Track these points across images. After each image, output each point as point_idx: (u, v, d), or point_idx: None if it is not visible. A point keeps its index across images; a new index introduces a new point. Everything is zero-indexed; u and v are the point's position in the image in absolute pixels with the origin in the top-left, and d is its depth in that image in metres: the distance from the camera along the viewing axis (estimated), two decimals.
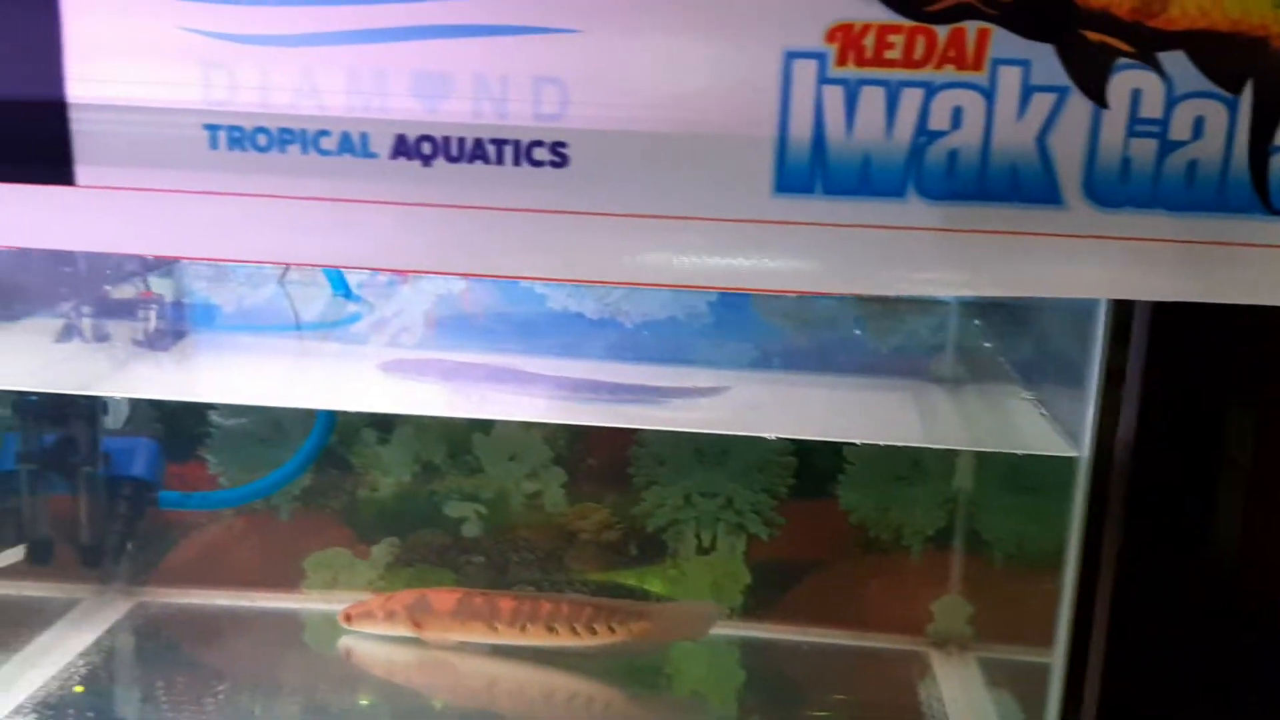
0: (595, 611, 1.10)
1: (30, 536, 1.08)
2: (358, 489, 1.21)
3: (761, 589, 1.19)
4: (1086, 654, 0.76)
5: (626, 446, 1.18)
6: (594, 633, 1.10)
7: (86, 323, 1.13)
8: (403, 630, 1.12)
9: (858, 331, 1.21)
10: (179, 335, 1.14)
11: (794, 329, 1.23)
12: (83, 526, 1.12)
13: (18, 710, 0.99)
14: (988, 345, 1.08)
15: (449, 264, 0.71)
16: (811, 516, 1.17)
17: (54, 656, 1.08)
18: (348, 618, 1.13)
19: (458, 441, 1.19)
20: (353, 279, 1.24)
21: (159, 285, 1.18)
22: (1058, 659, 0.78)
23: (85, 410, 1.09)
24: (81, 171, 0.72)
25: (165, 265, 1.20)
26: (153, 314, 1.14)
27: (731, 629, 1.19)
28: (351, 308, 1.22)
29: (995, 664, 1.13)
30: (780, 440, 1.16)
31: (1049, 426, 0.87)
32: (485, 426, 1.19)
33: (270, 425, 1.19)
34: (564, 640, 1.10)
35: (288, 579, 1.21)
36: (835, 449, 1.16)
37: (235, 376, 1.11)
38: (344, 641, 1.14)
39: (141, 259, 1.16)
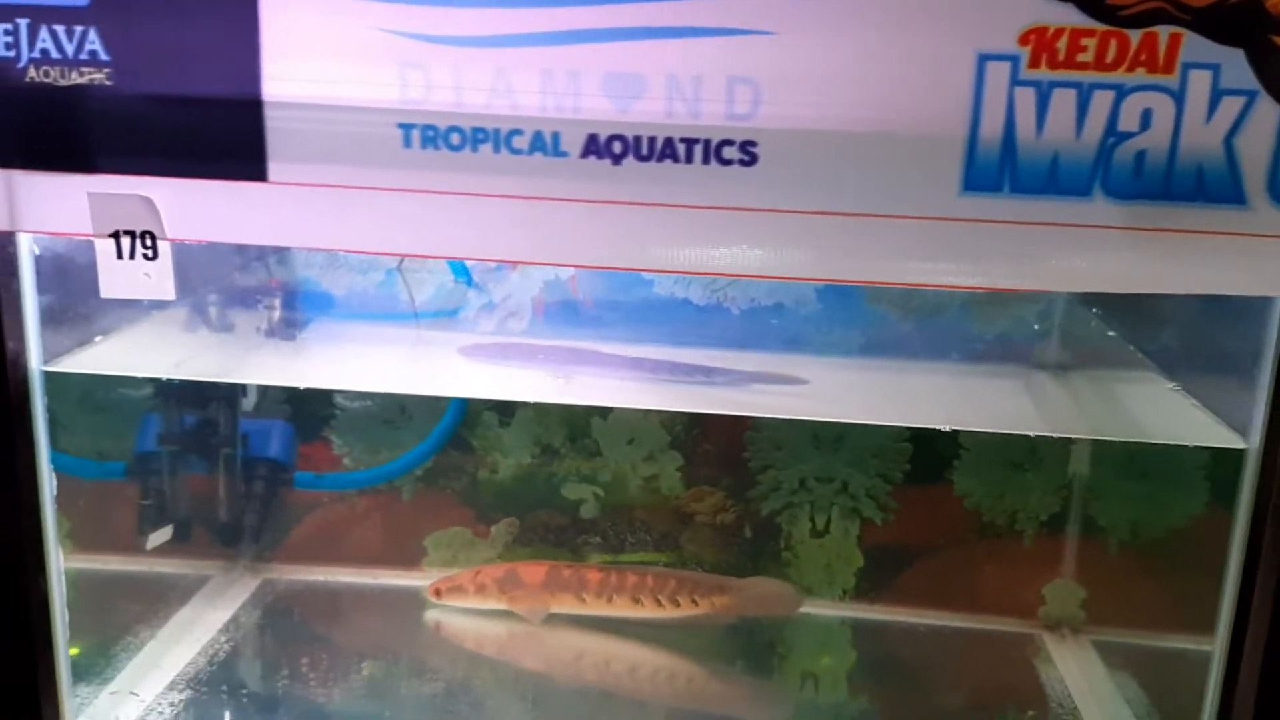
0: (679, 584, 1.14)
1: (172, 516, 1.11)
2: (478, 470, 1.23)
3: (874, 572, 1.21)
4: (1243, 646, 0.78)
5: (742, 431, 1.20)
6: (677, 605, 1.13)
7: (213, 311, 1.16)
8: (493, 603, 1.15)
9: (970, 321, 1.22)
10: (300, 323, 1.17)
11: (900, 316, 1.24)
12: (221, 505, 1.15)
13: (171, 686, 1.02)
14: (1111, 334, 1.09)
15: (636, 260, 0.73)
16: (925, 502, 1.19)
17: (196, 633, 1.11)
18: (437, 592, 1.16)
19: (577, 425, 1.21)
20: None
21: (276, 273, 1.21)
22: (1218, 648, 0.80)
23: (224, 393, 1.12)
24: (274, 168, 0.74)
25: (280, 252, 1.22)
26: (277, 302, 1.16)
27: (844, 610, 1.22)
28: (470, 295, 1.24)
29: (1111, 647, 1.14)
30: (895, 427, 1.18)
31: (1207, 417, 0.88)
32: (603, 411, 1.21)
33: (395, 408, 1.22)
34: (648, 611, 1.14)
35: (409, 557, 1.24)
36: (951, 436, 1.17)
37: (357, 364, 1.13)
38: (431, 615, 1.17)
39: (260, 248, 1.19)
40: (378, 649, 1.13)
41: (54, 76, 0.74)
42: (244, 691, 1.03)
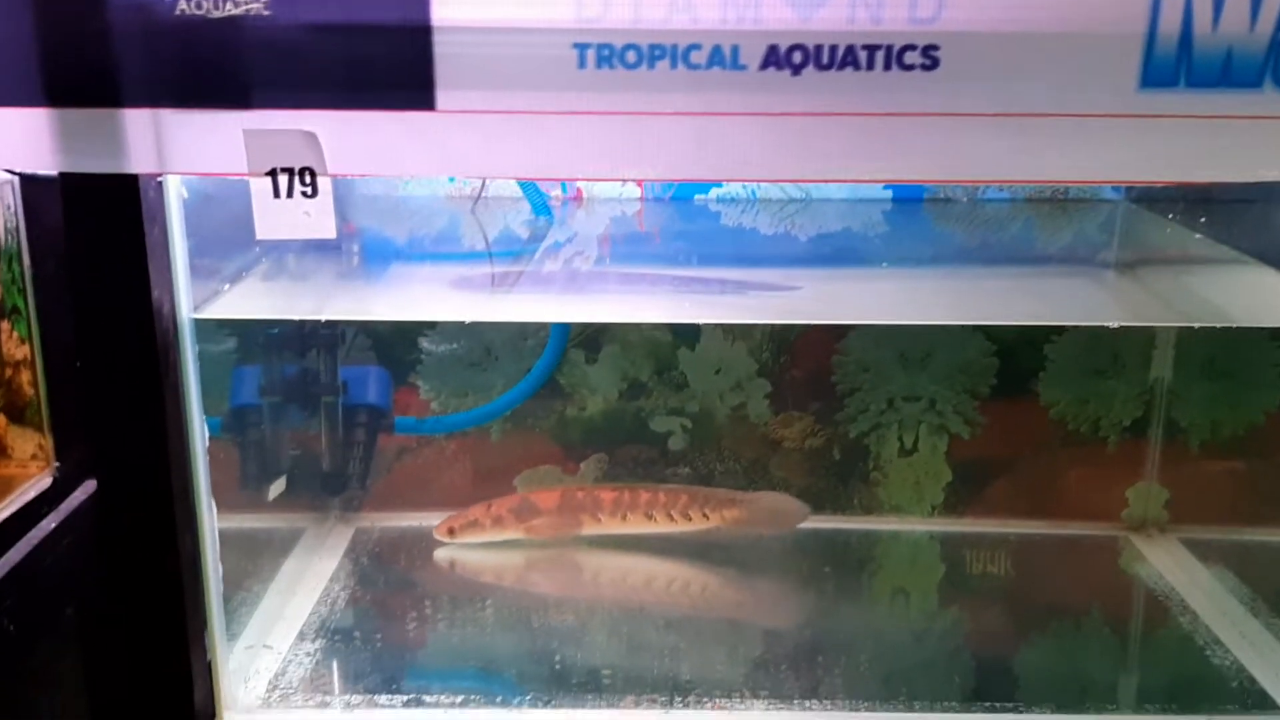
0: (690, 499, 1.17)
1: (275, 469, 1.10)
2: (566, 408, 1.23)
3: (962, 486, 1.24)
4: None
5: (829, 355, 1.22)
6: (689, 519, 1.16)
7: (291, 259, 1.14)
8: (511, 534, 1.17)
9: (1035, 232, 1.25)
10: (378, 266, 1.16)
11: (967, 232, 1.26)
12: (324, 455, 1.14)
13: (302, 637, 1.01)
14: (1198, 236, 1.12)
15: (816, 172, 0.73)
16: (1011, 414, 1.22)
17: (308, 584, 1.11)
18: (450, 531, 1.17)
19: (663, 358, 1.22)
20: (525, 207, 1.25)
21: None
22: None
23: (323, 341, 1.11)
24: (442, 96, 0.73)
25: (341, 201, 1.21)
26: (357, 247, 1.15)
27: (933, 525, 1.25)
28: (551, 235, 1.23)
29: (1201, 544, 1.19)
30: (983, 342, 1.20)
31: None
32: (690, 342, 1.22)
33: (480, 350, 1.21)
34: (661, 527, 1.16)
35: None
36: (1036, 348, 1.20)
37: (453, 300, 1.12)
38: (441, 554, 1.18)
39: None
40: (485, 589, 1.14)
41: (206, 8, 0.72)
42: (377, 637, 1.03)
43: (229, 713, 0.90)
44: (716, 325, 1.21)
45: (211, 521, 0.86)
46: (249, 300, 0.93)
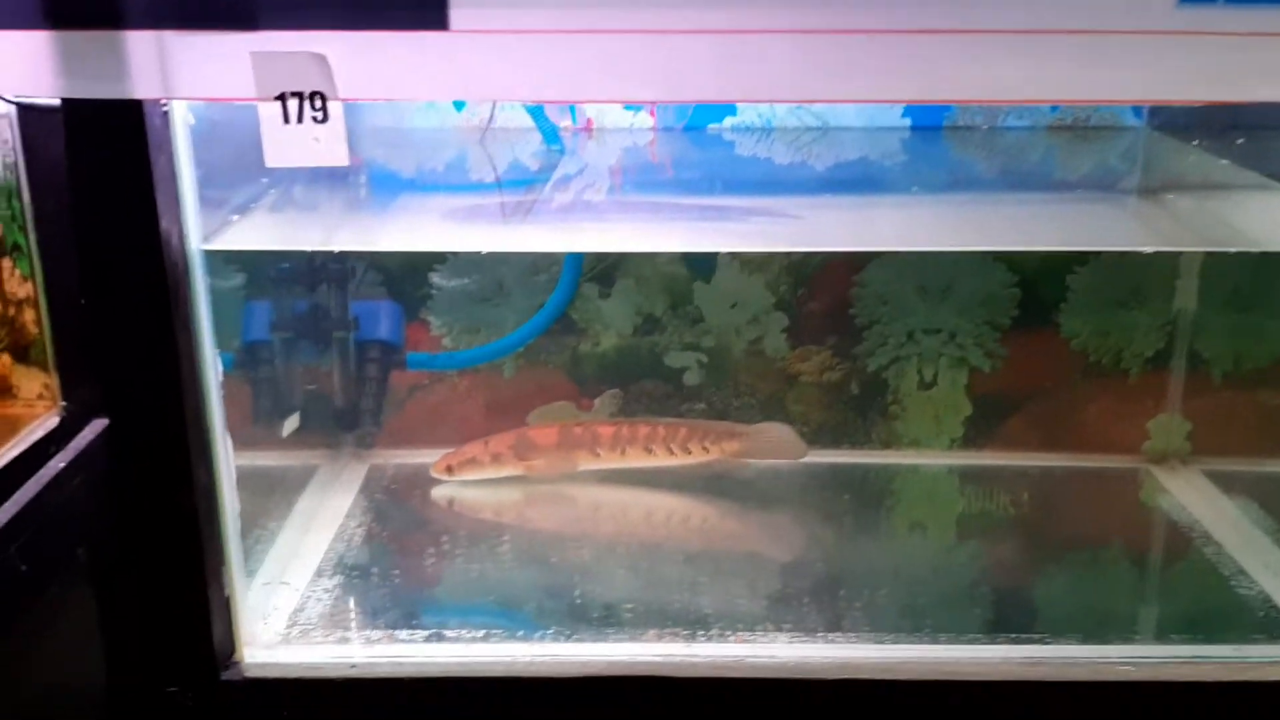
0: (689, 432, 1.16)
1: (287, 405, 1.09)
2: (580, 344, 1.22)
3: (982, 419, 1.23)
4: None
5: (847, 288, 1.20)
6: (688, 452, 1.15)
7: (299, 189, 1.12)
8: (510, 470, 1.16)
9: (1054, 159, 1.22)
10: (386, 197, 1.13)
11: (986, 160, 1.24)
12: (337, 391, 1.13)
13: (320, 574, 1.01)
14: (1224, 162, 1.09)
15: (854, 92, 0.71)
16: (1033, 346, 1.20)
17: (323, 520, 1.10)
18: (448, 469, 1.16)
19: (678, 292, 1.20)
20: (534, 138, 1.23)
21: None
22: None
23: (334, 276, 1.09)
24: (456, 14, 0.70)
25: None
26: (364, 179, 1.13)
27: (953, 459, 1.23)
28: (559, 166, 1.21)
29: (1223, 475, 1.17)
30: (1004, 273, 1.18)
31: None
32: (706, 275, 1.20)
33: (492, 285, 1.20)
34: (660, 460, 1.15)
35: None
36: (1058, 279, 1.18)
37: (452, 232, 1.10)
38: (440, 492, 1.16)
39: None
40: (498, 525, 1.13)
41: None
42: (394, 573, 1.02)
43: (249, 648, 0.89)
44: (733, 258, 1.19)
45: (227, 455, 0.85)
46: (258, 232, 0.91)
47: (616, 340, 1.22)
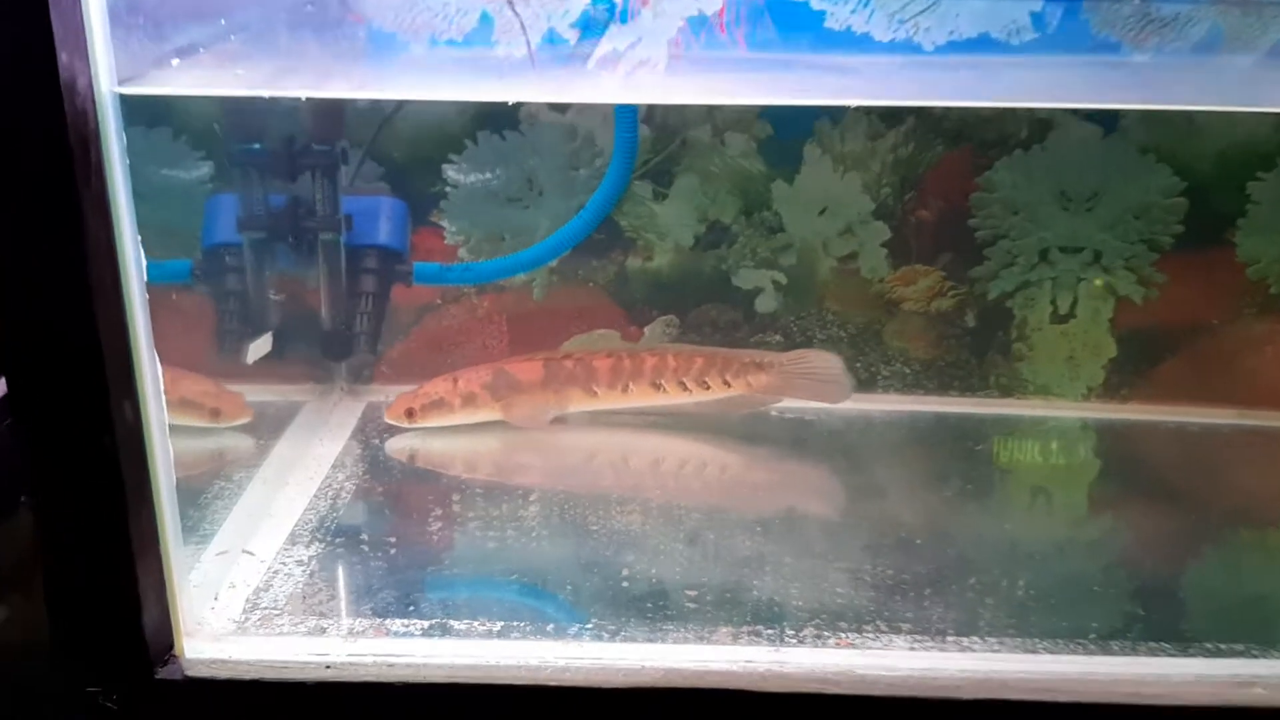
0: (707, 363, 0.92)
1: (262, 324, 0.86)
2: (628, 258, 0.98)
3: (1129, 362, 0.99)
4: None
5: (967, 192, 0.95)
6: (706, 387, 0.93)
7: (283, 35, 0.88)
8: (485, 414, 0.92)
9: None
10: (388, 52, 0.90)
11: (1135, 40, 0.98)
12: (324, 309, 0.90)
13: (293, 539, 0.79)
14: None
15: None
16: (1199, 272, 0.96)
17: (305, 472, 0.87)
18: (408, 413, 0.92)
19: (753, 194, 0.96)
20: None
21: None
22: None
23: (321, 163, 0.86)
24: None
25: None
26: (362, 33, 0.89)
27: (1089, 411, 1.00)
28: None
29: None
30: (1167, 178, 0.93)
31: None
32: (788, 174, 0.96)
33: (520, 181, 0.96)
34: (672, 398, 0.93)
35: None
36: (1237, 186, 0.93)
37: (468, 84, 0.86)
38: (398, 444, 0.93)
39: None
40: (525, 481, 0.90)
41: None
42: (389, 541, 0.79)
43: (191, 640, 0.67)
44: (823, 155, 0.95)
45: (155, 382, 0.62)
46: (206, 73, 0.68)
47: (673, 254, 0.98)
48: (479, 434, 0.93)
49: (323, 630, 0.70)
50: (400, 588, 0.74)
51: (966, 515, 0.86)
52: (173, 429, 0.64)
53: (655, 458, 0.93)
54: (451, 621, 0.70)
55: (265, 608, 0.72)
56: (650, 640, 0.69)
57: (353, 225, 0.88)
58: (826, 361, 0.93)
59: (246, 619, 0.70)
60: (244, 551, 0.77)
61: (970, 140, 0.94)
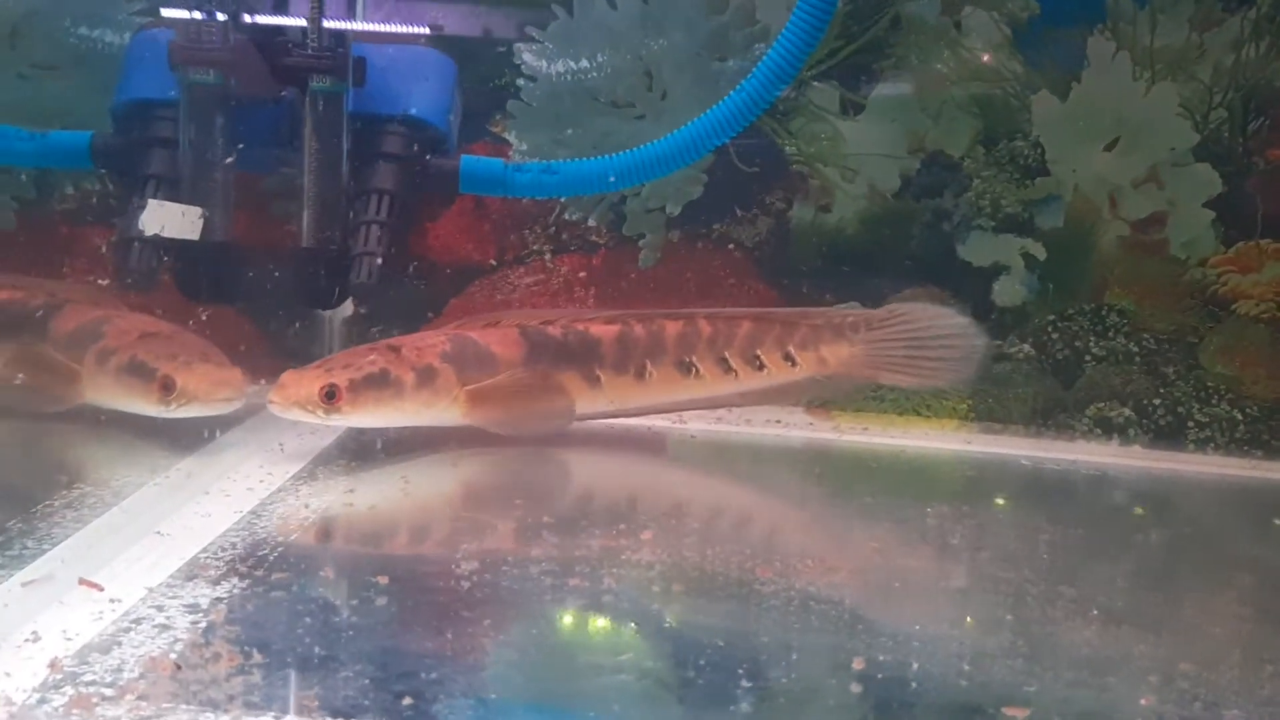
0: (756, 329, 0.62)
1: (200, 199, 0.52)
2: (793, 206, 0.65)
3: None
4: None
5: None
6: (759, 367, 0.62)
7: None
8: (443, 408, 0.59)
9: None
10: None
11: None
12: (305, 214, 0.55)
13: (190, 573, 0.43)
14: None
15: None
16: None
17: (245, 470, 0.52)
18: (327, 394, 0.57)
19: (1000, 112, 0.63)
20: None
21: None
22: None
23: None
24: None
25: None
26: None
27: None
28: None
29: None
30: None
31: None
32: (1059, 82, 0.62)
33: (634, 77, 0.63)
34: (710, 387, 0.62)
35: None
36: None
37: None
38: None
39: None
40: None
41: None
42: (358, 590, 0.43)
43: None
44: (1118, 51, 0.61)
45: None
46: None
47: (865, 203, 0.65)
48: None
49: None
50: (346, 664, 0.37)
51: None
52: None
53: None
54: None
55: (88, 682, 0.35)
56: None
57: (365, 79, 0.54)
58: (941, 320, 0.62)
59: (43, 700, 0.34)
60: (82, 582, 0.40)
61: None
